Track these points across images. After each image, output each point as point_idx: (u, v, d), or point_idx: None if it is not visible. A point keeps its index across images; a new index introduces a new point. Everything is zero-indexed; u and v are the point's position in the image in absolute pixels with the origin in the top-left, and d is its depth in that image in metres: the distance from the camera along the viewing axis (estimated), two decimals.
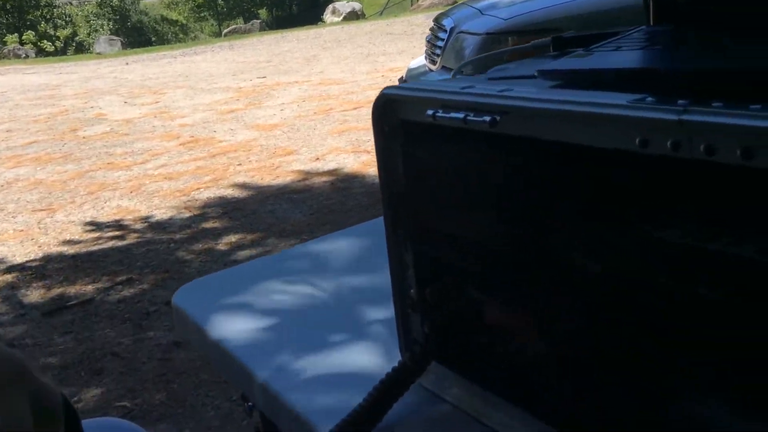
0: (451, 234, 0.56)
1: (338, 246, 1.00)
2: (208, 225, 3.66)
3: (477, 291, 0.57)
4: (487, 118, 0.45)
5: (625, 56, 0.53)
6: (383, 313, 0.77)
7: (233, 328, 0.80)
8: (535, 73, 0.49)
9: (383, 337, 0.74)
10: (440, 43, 4.20)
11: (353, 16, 16.68)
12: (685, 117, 0.36)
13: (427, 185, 0.56)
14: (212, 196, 4.12)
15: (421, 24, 11.74)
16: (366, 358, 0.71)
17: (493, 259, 0.54)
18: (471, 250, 0.55)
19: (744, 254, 0.38)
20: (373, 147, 0.58)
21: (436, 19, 4.51)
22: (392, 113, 0.56)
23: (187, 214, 3.84)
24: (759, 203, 0.38)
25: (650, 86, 0.40)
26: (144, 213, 3.94)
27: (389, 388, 0.60)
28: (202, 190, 4.25)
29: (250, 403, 0.89)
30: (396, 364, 0.61)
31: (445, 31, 4.17)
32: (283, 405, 0.67)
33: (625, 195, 0.47)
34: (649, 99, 0.38)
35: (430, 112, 0.49)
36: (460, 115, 0.47)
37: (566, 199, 0.48)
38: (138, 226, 3.76)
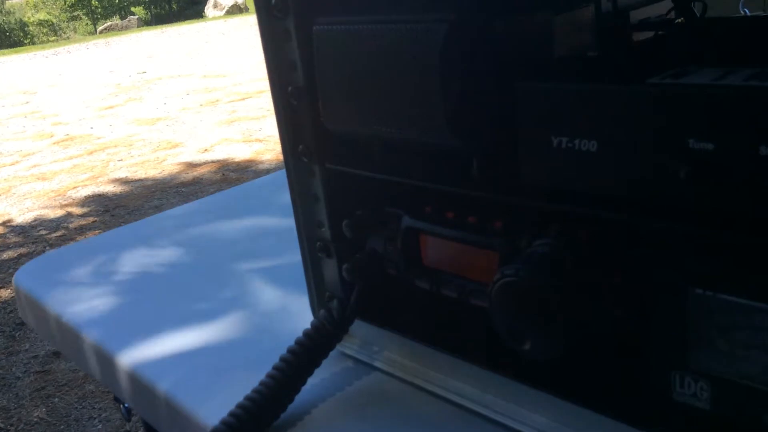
0: (375, 139, 0.41)
1: (212, 208, 0.84)
2: (87, 224, 3.36)
3: (414, 218, 0.42)
4: None
5: None
6: (283, 269, 0.62)
7: (91, 308, 0.62)
8: None
9: (288, 297, 0.58)
10: None
11: (236, 10, 16.21)
12: None
13: (335, 76, 0.40)
14: (91, 194, 3.80)
15: None
16: (266, 327, 0.55)
17: (436, 170, 0.39)
18: (404, 161, 0.41)
19: None
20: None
21: None
22: None
23: (63, 214, 3.52)
24: None
25: None
26: (15, 216, 3.58)
27: (301, 358, 0.45)
28: (79, 188, 3.91)
29: (125, 405, 0.72)
30: (308, 328, 0.46)
31: None
32: (159, 398, 0.50)
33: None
34: None
35: None
36: None
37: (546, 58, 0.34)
38: (8, 230, 3.41)
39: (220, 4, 16.39)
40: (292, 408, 0.44)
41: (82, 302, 0.64)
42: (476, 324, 0.41)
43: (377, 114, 0.39)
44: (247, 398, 0.42)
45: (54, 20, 18.54)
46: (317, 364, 0.46)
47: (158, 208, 3.46)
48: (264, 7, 0.42)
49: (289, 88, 0.43)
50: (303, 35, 0.41)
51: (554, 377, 0.38)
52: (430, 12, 0.35)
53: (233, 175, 3.86)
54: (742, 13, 0.66)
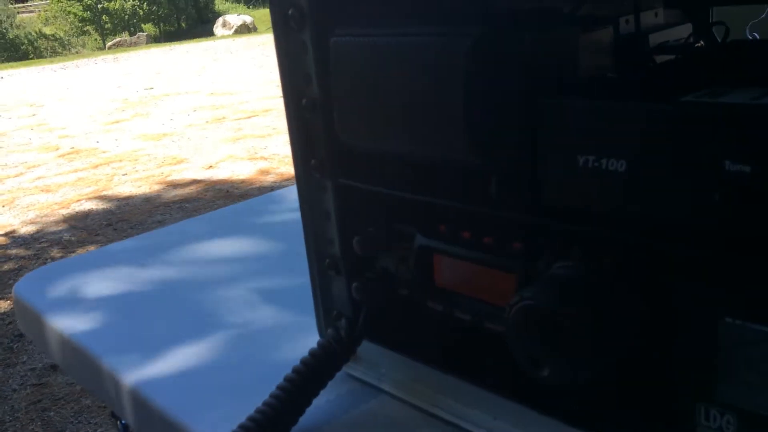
0: (390, 154, 0.40)
1: (215, 224, 0.83)
2: (89, 238, 3.35)
3: (428, 237, 0.41)
4: None
5: None
6: (288, 288, 0.61)
7: (90, 322, 0.61)
8: None
9: (293, 316, 0.57)
10: None
11: (244, 30, 16.32)
12: None
13: (352, 89, 0.39)
14: (95, 207, 3.79)
15: None
16: (271, 346, 0.54)
17: (453, 187, 0.38)
18: (419, 177, 0.40)
19: None
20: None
21: None
22: None
23: (66, 228, 3.51)
24: None
25: None
26: (17, 228, 3.58)
27: (306, 378, 0.43)
28: (83, 201, 3.90)
29: (122, 421, 0.70)
30: (314, 348, 0.45)
31: None
32: (159, 416, 0.49)
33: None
34: None
35: None
36: None
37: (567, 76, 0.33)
38: (10, 242, 3.40)
39: (229, 24, 16.51)
40: (295, 430, 0.42)
41: (81, 315, 0.62)
42: (489, 348, 0.39)
43: (395, 128, 0.37)
44: (250, 419, 0.41)
45: (63, 35, 18.67)
46: (323, 385, 0.44)
47: (161, 223, 3.45)
48: (280, 19, 0.41)
49: (303, 101, 0.42)
50: (319, 48, 0.40)
51: (571, 405, 0.37)
52: (454, 25, 0.34)
53: (237, 191, 3.86)
54: (750, 38, 0.65)
